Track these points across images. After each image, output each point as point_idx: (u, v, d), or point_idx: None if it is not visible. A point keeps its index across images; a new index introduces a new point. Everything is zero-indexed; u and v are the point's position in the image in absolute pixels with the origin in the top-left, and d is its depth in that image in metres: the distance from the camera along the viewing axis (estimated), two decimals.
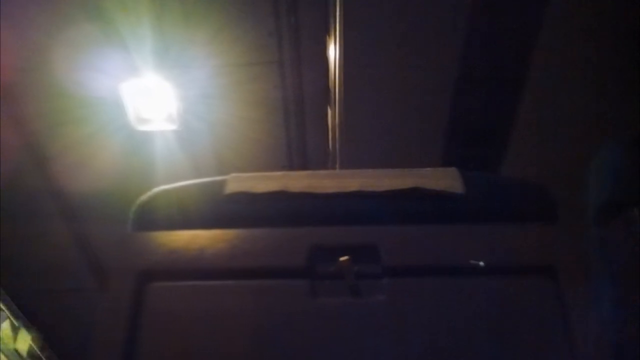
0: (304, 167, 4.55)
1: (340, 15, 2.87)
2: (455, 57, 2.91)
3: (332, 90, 3.46)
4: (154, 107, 4.10)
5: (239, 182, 1.56)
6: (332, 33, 3.20)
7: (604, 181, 1.87)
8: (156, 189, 1.60)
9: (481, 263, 1.39)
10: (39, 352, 5.38)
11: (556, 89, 2.86)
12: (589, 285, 1.38)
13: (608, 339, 1.30)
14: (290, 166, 4.55)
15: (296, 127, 4.42)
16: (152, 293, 1.41)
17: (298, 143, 4.52)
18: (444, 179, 1.54)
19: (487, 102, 3.04)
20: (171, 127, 4.22)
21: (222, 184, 1.56)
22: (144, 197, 1.58)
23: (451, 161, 2.91)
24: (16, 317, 5.12)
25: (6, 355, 4.64)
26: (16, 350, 4.99)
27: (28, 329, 5.15)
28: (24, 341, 5.16)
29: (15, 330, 5.10)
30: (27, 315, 5.25)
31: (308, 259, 1.43)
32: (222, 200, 1.53)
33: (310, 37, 3.87)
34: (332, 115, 3.58)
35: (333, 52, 3.27)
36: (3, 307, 4.96)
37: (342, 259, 1.41)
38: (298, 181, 1.56)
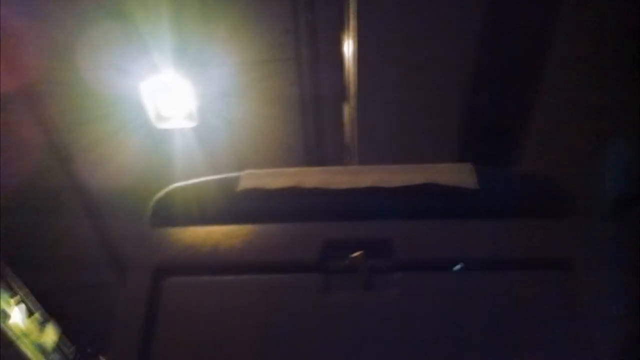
0: (321, 163, 4.57)
1: (354, 12, 2.87)
2: (469, 53, 2.90)
3: (348, 87, 3.47)
4: (173, 105, 4.15)
5: (253, 179, 1.58)
6: (348, 30, 3.21)
7: (617, 175, 1.85)
8: (172, 186, 1.62)
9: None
10: (63, 347, 5.49)
11: (570, 84, 2.84)
12: (603, 279, 1.37)
13: (622, 332, 1.30)
14: (308, 163, 4.57)
15: (313, 123, 4.43)
16: (168, 287, 1.44)
17: (315, 139, 4.53)
18: (458, 174, 1.53)
19: (502, 98, 3.02)
20: (190, 124, 4.27)
21: (236, 180, 1.58)
22: (160, 194, 1.61)
23: (466, 156, 2.90)
24: (41, 312, 5.23)
25: (31, 349, 4.74)
26: (41, 345, 5.09)
27: (53, 323, 5.26)
28: (50, 335, 5.26)
29: (41, 324, 5.20)
30: (49, 309, 5.36)
31: (321, 253, 1.44)
32: (236, 196, 1.55)
33: (327, 35, 3.87)
34: (349, 112, 3.59)
35: (348, 49, 3.27)
36: (28, 302, 5.06)
37: (355, 253, 1.42)
38: (312, 177, 1.57)
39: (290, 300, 1.40)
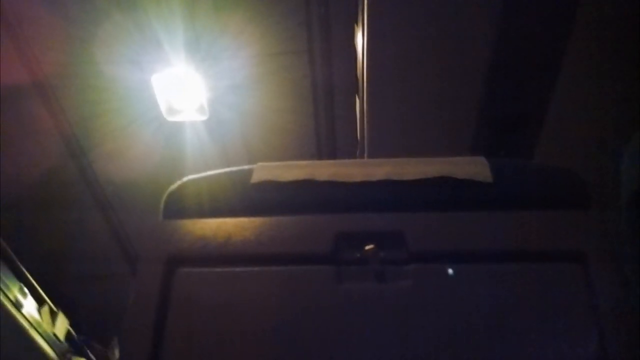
0: (333, 156, 4.57)
1: (367, 3, 2.86)
2: (484, 44, 2.87)
3: (361, 79, 3.45)
4: (184, 98, 4.16)
5: (265, 171, 1.58)
6: (360, 22, 3.20)
7: (635, 168, 1.83)
8: (185, 178, 1.63)
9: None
10: (75, 336, 5.54)
11: (589, 76, 2.81)
12: (618, 272, 1.35)
13: (637, 325, 1.28)
14: (320, 155, 4.57)
15: (325, 116, 4.44)
16: (180, 278, 1.44)
17: (327, 132, 4.54)
18: (471, 167, 1.52)
19: (515, 91, 3.00)
20: (201, 117, 4.28)
21: (248, 172, 1.58)
22: (173, 186, 1.62)
23: (481, 149, 2.88)
24: (54, 302, 5.28)
25: (45, 339, 4.79)
26: (54, 335, 5.14)
27: (62, 314, 5.30)
28: (62, 326, 5.31)
29: (53, 314, 5.25)
30: (63, 300, 5.42)
31: (334, 245, 1.43)
32: (248, 188, 1.55)
33: (339, 27, 3.87)
34: (361, 105, 3.57)
35: (361, 41, 3.26)
36: (42, 292, 5.11)
37: (368, 247, 1.41)
38: (324, 170, 1.57)
39: (302, 292, 1.40)
